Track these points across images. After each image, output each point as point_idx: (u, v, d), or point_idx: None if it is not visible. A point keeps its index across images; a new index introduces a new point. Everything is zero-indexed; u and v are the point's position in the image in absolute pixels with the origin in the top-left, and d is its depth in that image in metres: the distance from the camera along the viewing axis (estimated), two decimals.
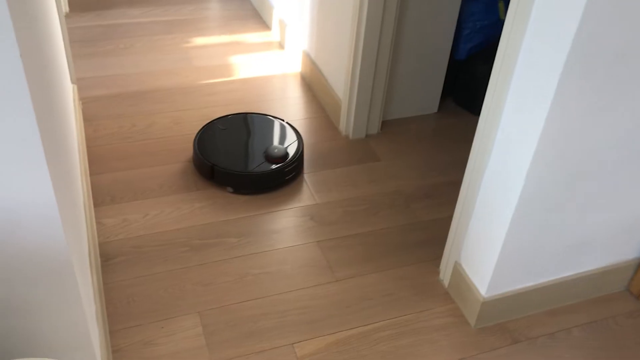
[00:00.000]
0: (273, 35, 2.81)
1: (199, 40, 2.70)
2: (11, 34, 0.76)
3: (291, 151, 1.97)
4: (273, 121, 2.12)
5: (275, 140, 2.02)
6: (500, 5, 2.20)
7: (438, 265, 1.72)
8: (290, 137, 2.04)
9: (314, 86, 2.42)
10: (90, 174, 1.92)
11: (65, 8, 2.81)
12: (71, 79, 2.12)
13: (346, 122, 2.18)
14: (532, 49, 1.22)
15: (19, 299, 1.01)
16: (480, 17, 2.19)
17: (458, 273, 1.58)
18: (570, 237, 1.48)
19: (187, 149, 2.06)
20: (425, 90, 2.29)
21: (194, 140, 1.99)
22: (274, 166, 1.91)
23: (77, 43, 2.58)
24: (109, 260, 1.64)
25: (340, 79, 2.17)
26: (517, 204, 1.35)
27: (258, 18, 2.96)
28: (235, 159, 1.93)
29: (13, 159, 0.85)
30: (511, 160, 1.34)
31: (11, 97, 0.80)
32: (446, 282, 1.65)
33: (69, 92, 1.92)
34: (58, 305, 1.05)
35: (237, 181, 1.89)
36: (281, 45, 2.72)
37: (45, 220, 0.93)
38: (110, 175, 1.93)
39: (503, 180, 1.38)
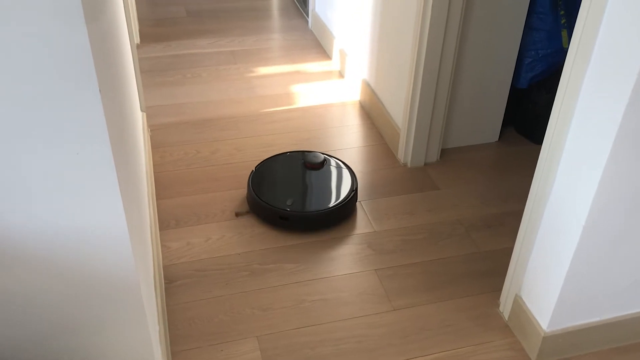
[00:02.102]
0: (333, 64, 2.86)
1: (262, 70, 2.79)
2: (92, 70, 0.82)
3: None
4: (328, 160, 2.09)
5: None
6: (564, 33, 2.18)
7: (498, 297, 1.68)
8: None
9: (372, 114, 2.44)
10: (157, 199, 2.00)
11: (136, 39, 2.95)
12: (141, 108, 2.22)
13: (405, 151, 2.19)
14: (596, 78, 1.20)
15: (89, 318, 1.06)
16: (542, 45, 2.17)
17: (518, 306, 1.55)
18: (638, 270, 1.43)
19: (248, 175, 2.11)
20: (485, 119, 2.28)
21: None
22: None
23: (146, 73, 2.71)
24: (172, 282, 1.70)
25: (399, 107, 2.19)
26: (581, 236, 1.32)
27: (319, 48, 3.02)
28: (282, 198, 1.91)
29: (89, 185, 0.91)
30: (575, 191, 1.31)
31: (89, 129, 0.86)
32: (506, 315, 1.61)
33: (139, 120, 2.01)
34: (125, 325, 1.10)
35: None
36: (341, 74, 2.77)
37: (116, 244, 0.98)
38: (176, 200, 2.00)
39: (566, 211, 1.35)
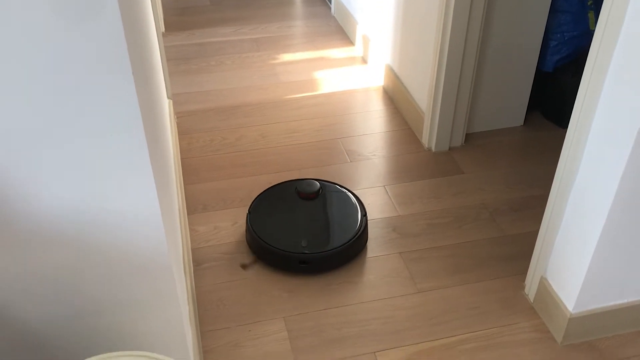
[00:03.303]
0: (356, 50, 2.86)
1: (285, 57, 2.80)
2: (126, 56, 0.84)
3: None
4: (324, 186, 1.90)
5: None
6: (590, 15, 2.15)
7: (523, 279, 1.69)
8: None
9: (396, 99, 2.45)
10: (184, 184, 2.04)
11: (162, 28, 2.99)
12: (167, 95, 2.26)
13: (429, 135, 2.19)
14: (623, 60, 1.20)
15: (123, 297, 1.09)
16: (568, 28, 2.14)
17: (544, 288, 1.55)
18: None
19: (273, 161, 2.14)
20: (510, 103, 2.27)
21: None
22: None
23: (172, 61, 2.74)
24: (200, 265, 1.74)
25: (424, 91, 2.19)
26: (608, 217, 1.32)
27: (342, 34, 3.02)
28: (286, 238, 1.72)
29: (124, 168, 0.94)
30: (602, 173, 1.31)
31: (124, 114, 0.88)
32: (532, 297, 1.62)
33: (165, 107, 2.05)
34: (158, 304, 1.13)
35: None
36: (364, 60, 2.77)
37: (149, 226, 1.01)
38: (203, 185, 2.03)
39: (593, 192, 1.35)
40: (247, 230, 1.77)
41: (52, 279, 1.02)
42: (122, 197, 0.97)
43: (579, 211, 1.41)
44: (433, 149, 2.19)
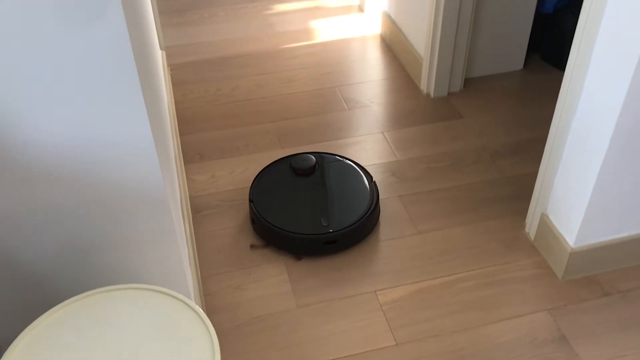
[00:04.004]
0: None
1: (280, 7, 2.74)
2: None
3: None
4: (320, 158, 1.79)
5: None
6: None
7: (524, 219, 1.68)
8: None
9: (394, 46, 2.40)
10: (180, 135, 2.02)
11: None
12: (160, 46, 2.22)
13: (427, 80, 2.16)
14: None
15: (120, 234, 1.08)
16: None
17: (545, 224, 1.54)
18: None
19: (270, 110, 2.11)
20: (509, 46, 2.23)
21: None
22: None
23: (165, 14, 2.69)
24: (199, 212, 1.73)
25: (422, 36, 2.15)
26: (606, 152, 1.30)
27: None
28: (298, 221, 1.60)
29: (116, 98, 0.91)
30: (601, 106, 1.29)
31: (114, 42, 0.86)
32: (532, 235, 1.61)
33: (159, 58, 2.01)
34: (156, 241, 1.12)
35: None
36: (360, 9, 2.72)
37: (144, 156, 0.99)
38: (199, 135, 2.01)
39: (592, 125, 1.33)
40: (256, 219, 1.61)
41: (49, 216, 1.01)
42: (115, 130, 0.95)
43: (578, 147, 1.39)
44: (432, 94, 2.17)
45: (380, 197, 1.76)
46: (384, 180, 1.82)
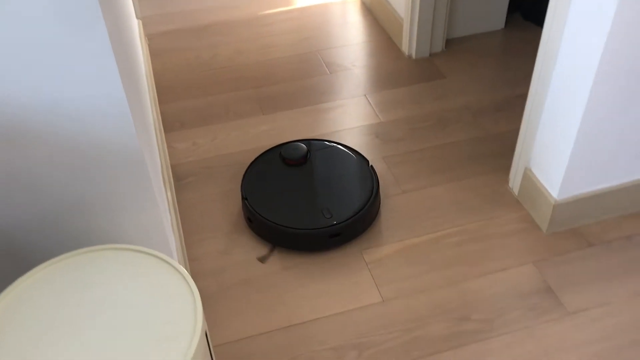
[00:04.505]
0: None
1: None
2: None
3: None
4: (311, 145, 1.68)
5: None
6: None
7: (507, 175, 1.68)
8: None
9: (374, 9, 2.37)
10: (160, 103, 1.98)
11: None
12: (136, 15, 2.17)
13: (409, 42, 2.13)
14: None
15: (98, 196, 1.06)
16: None
17: (528, 178, 1.54)
18: None
19: (251, 77, 2.08)
20: (490, 6, 2.20)
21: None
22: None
23: None
24: (182, 180, 1.71)
25: None
26: (587, 103, 1.29)
27: None
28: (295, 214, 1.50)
29: (85, 56, 0.89)
30: (581, 52, 1.28)
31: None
32: (516, 190, 1.61)
33: (135, 27, 1.97)
34: (135, 203, 1.11)
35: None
36: None
37: (117, 116, 0.97)
38: (179, 103, 1.98)
39: (572, 77, 1.32)
40: (253, 218, 1.50)
41: (23, 179, 0.99)
42: (86, 90, 0.93)
43: (559, 100, 1.38)
44: (413, 55, 2.14)
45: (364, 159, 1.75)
46: (368, 143, 1.81)
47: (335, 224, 1.46)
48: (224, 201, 1.64)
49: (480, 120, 1.87)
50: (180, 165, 1.76)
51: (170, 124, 1.90)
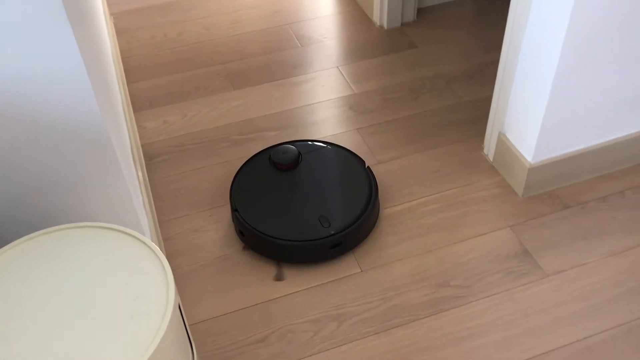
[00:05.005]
0: None
1: None
2: None
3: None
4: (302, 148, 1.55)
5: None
6: None
7: (482, 141, 1.67)
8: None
9: None
10: (128, 83, 1.94)
11: None
12: None
13: (380, 12, 2.11)
14: None
15: (63, 175, 1.03)
16: None
17: (502, 143, 1.54)
18: (618, 93, 1.41)
19: (220, 52, 2.04)
20: None
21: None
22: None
23: None
24: (153, 159, 1.67)
25: None
26: (558, 66, 1.28)
27: None
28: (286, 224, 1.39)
29: (42, 30, 0.85)
30: (550, 17, 1.26)
31: None
32: (491, 156, 1.61)
33: (97, 4, 1.91)
34: (102, 182, 1.07)
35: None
36: None
37: (78, 91, 0.94)
38: (147, 82, 1.94)
39: (543, 39, 1.30)
40: (245, 231, 1.39)
41: None
42: (45, 65, 0.89)
43: (530, 63, 1.37)
44: (385, 26, 2.12)
45: (337, 132, 1.73)
46: (342, 115, 1.79)
47: (334, 234, 1.35)
48: (197, 179, 1.61)
49: (453, 88, 1.86)
50: (151, 144, 1.72)
51: (140, 103, 1.86)
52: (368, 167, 1.51)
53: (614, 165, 1.55)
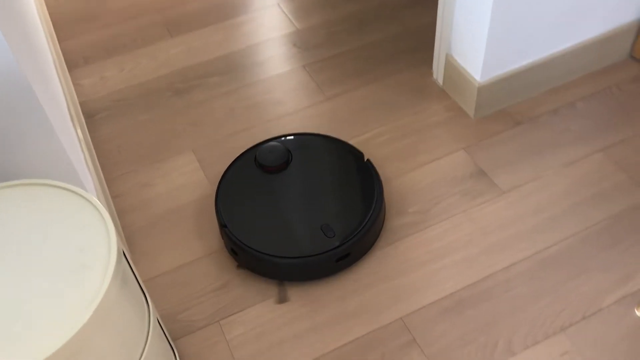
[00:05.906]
0: None
1: None
2: None
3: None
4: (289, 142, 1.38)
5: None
6: None
7: (431, 67, 1.64)
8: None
9: None
10: (60, 41, 1.83)
11: None
12: None
13: None
14: None
15: None
16: None
17: (451, 65, 1.51)
18: (562, 3, 1.39)
19: (153, 0, 1.94)
20: None
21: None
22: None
23: None
24: (93, 116, 1.60)
25: None
26: None
27: None
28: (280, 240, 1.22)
29: None
30: None
31: None
32: (440, 80, 1.58)
33: None
34: (32, 138, 1.01)
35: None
36: None
37: None
38: (81, 38, 1.83)
39: None
40: (239, 250, 1.22)
41: None
42: None
43: None
44: None
45: (283, 70, 1.68)
46: (286, 53, 1.73)
47: (339, 246, 1.19)
48: (141, 133, 1.55)
49: (398, 15, 1.81)
50: (90, 101, 1.64)
51: (74, 61, 1.76)
52: (368, 159, 1.34)
53: (563, 77, 1.55)
